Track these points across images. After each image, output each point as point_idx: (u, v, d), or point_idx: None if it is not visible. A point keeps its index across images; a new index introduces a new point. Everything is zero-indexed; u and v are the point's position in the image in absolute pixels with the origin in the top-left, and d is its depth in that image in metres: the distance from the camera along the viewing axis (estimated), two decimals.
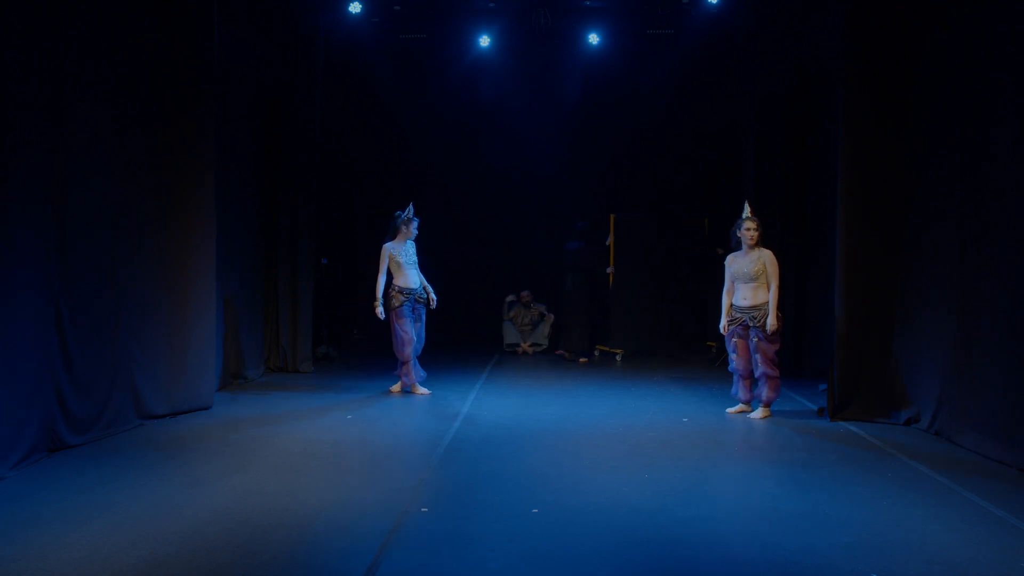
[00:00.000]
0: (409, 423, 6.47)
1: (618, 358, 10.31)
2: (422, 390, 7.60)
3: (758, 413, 6.65)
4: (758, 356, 6.60)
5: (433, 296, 7.68)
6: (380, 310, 7.38)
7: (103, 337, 5.80)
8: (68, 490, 4.53)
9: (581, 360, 10.15)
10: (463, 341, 11.49)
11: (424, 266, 7.75)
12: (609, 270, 10.61)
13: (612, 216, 10.66)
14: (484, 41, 10.42)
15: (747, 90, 9.25)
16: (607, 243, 10.61)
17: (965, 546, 3.81)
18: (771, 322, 6.48)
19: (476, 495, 4.55)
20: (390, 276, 7.48)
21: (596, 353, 10.54)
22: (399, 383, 7.67)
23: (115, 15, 5.87)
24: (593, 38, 10.39)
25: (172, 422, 6.32)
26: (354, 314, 11.51)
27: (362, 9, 9.58)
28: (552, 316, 10.97)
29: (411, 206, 7.59)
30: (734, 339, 6.76)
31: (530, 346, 10.88)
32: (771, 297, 6.52)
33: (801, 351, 8.94)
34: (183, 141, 6.56)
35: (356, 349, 10.78)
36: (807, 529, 4.01)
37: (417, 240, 7.65)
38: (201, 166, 6.71)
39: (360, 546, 3.75)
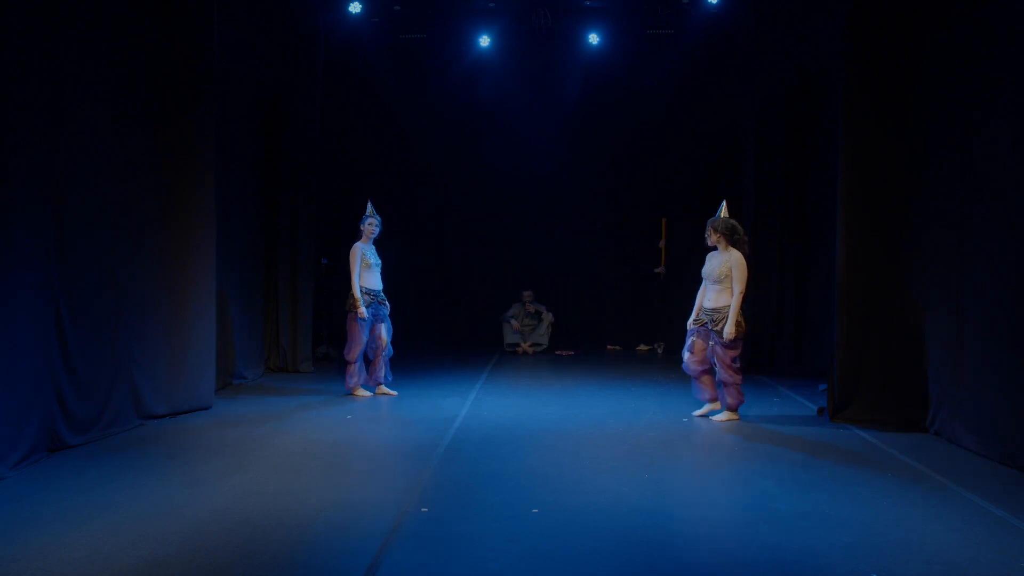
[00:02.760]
0: (409, 423, 6.47)
1: (659, 350, 10.87)
2: (363, 392, 7.48)
3: (722, 416, 6.53)
4: (716, 361, 6.46)
5: (386, 303, 7.59)
6: (363, 309, 7.26)
7: (103, 337, 5.80)
8: (68, 490, 4.53)
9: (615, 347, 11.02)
10: (463, 341, 11.49)
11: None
12: (659, 270, 10.67)
13: (663, 220, 10.70)
14: (484, 41, 10.42)
15: (747, 90, 9.26)
16: (660, 245, 10.69)
17: (965, 546, 3.81)
18: (728, 329, 6.32)
19: (476, 495, 4.55)
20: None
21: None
22: (381, 387, 7.58)
23: (115, 15, 5.88)
24: (593, 38, 10.40)
25: (172, 422, 6.32)
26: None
27: (362, 9, 9.59)
28: (552, 316, 10.98)
29: (369, 204, 7.54)
30: (692, 337, 6.60)
31: (530, 346, 10.88)
32: (732, 302, 6.37)
33: (801, 351, 8.95)
34: (183, 141, 6.57)
35: None
36: (807, 529, 4.01)
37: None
38: (201, 166, 6.71)
39: (360, 546, 3.75)
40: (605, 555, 3.71)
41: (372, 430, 6.21)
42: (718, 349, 6.43)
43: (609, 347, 11.32)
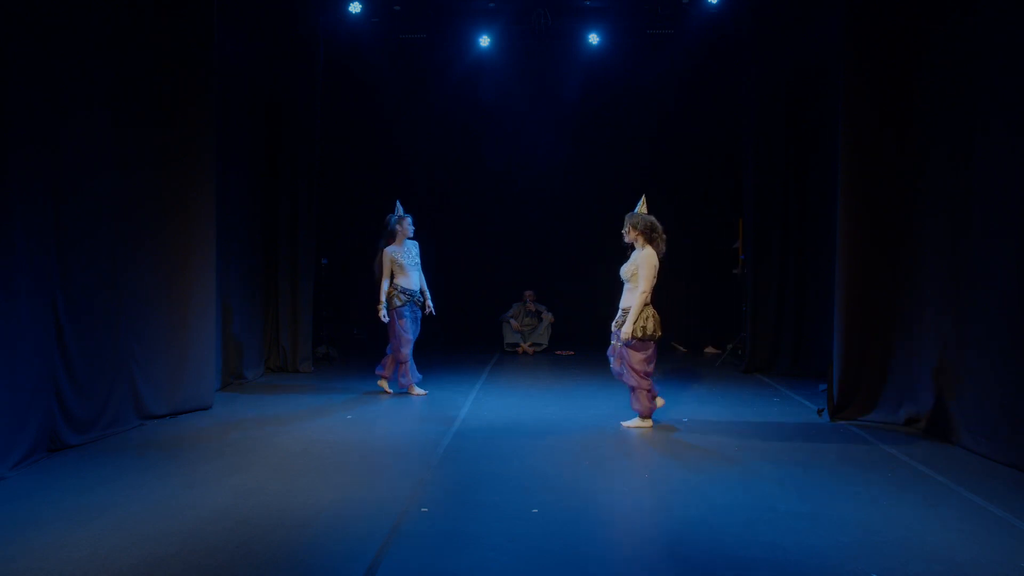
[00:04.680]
0: (409, 423, 6.47)
1: (725, 353, 10.40)
2: (419, 391, 7.59)
3: (632, 422, 6.25)
4: (623, 364, 6.15)
5: (430, 303, 7.63)
6: (384, 313, 7.38)
7: (103, 337, 5.80)
8: (68, 490, 4.53)
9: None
10: (463, 341, 11.48)
11: (424, 266, 7.73)
12: (737, 271, 10.43)
13: (740, 220, 10.47)
14: (484, 41, 10.42)
15: (747, 90, 9.26)
16: (735, 246, 10.43)
17: (965, 546, 3.81)
18: (625, 328, 6.01)
19: (476, 495, 4.55)
20: (392, 277, 7.48)
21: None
22: (384, 381, 7.67)
23: (115, 15, 5.88)
24: (593, 38, 10.40)
25: (172, 422, 6.32)
26: (354, 314, 11.51)
27: (362, 9, 9.59)
28: (552, 316, 10.97)
29: (398, 204, 7.60)
30: (613, 340, 6.29)
31: (530, 346, 10.88)
32: (635, 302, 6.01)
33: (801, 352, 8.95)
34: (183, 141, 6.57)
35: (356, 349, 10.77)
36: (807, 529, 4.02)
37: (417, 237, 7.67)
38: (201, 166, 6.71)
39: (360, 546, 3.75)
40: (605, 555, 3.71)
41: (372, 430, 6.21)
42: (624, 351, 6.11)
43: (674, 343, 11.00)
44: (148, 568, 3.48)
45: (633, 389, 6.20)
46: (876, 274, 6.48)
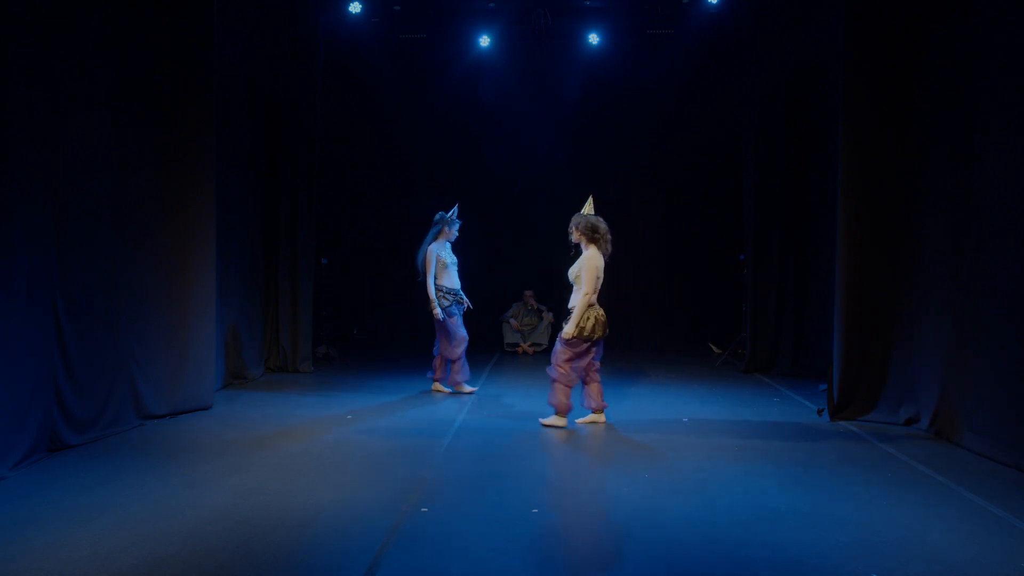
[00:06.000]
0: (409, 423, 6.47)
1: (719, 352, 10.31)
2: (443, 389, 7.63)
3: (547, 419, 6.25)
4: (552, 356, 6.24)
5: (465, 298, 7.65)
6: (439, 311, 7.35)
7: (103, 337, 5.80)
8: (68, 490, 4.53)
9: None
10: None
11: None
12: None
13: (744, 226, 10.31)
14: (484, 41, 10.43)
15: (747, 90, 9.26)
16: (742, 258, 10.25)
17: (965, 546, 3.81)
18: (567, 328, 6.07)
19: (476, 495, 4.55)
20: (436, 277, 7.47)
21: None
22: (438, 384, 7.71)
23: (115, 15, 5.88)
24: (593, 38, 10.41)
25: (172, 422, 6.32)
26: (353, 314, 11.51)
27: (362, 9, 9.60)
28: (552, 316, 10.97)
29: (456, 207, 7.63)
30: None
31: (530, 346, 10.88)
32: (578, 303, 6.08)
33: (801, 351, 8.95)
34: (183, 141, 6.56)
35: (356, 349, 10.78)
36: (807, 529, 4.02)
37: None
38: (201, 166, 6.71)
39: (360, 546, 3.75)
40: (605, 555, 3.71)
41: (372, 430, 6.21)
42: (556, 344, 6.20)
43: (710, 344, 10.74)
44: (148, 568, 3.48)
45: (553, 382, 6.20)
46: (876, 274, 6.48)
